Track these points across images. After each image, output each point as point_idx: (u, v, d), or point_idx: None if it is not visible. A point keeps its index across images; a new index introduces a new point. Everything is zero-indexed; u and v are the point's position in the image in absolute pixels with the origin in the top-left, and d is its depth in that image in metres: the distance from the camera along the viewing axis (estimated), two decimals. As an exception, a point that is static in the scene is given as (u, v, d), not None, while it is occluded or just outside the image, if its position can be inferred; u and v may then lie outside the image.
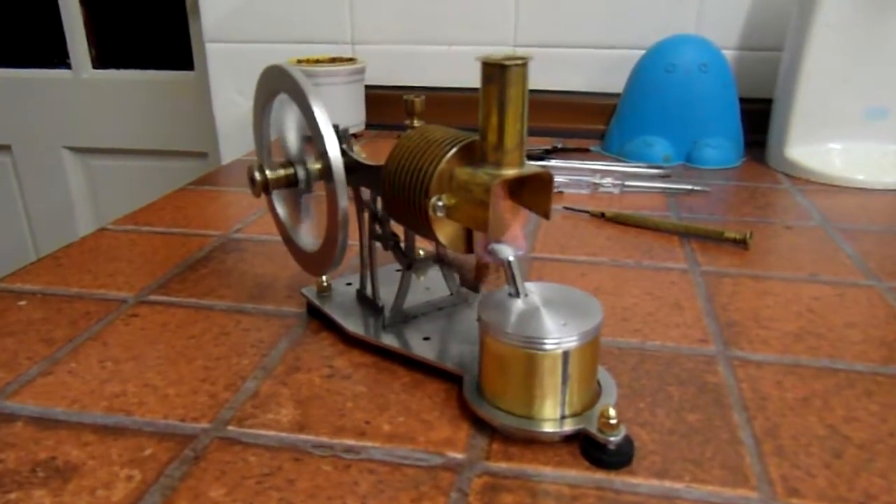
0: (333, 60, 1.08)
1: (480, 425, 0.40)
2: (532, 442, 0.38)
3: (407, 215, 0.43)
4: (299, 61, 1.08)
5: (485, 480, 0.36)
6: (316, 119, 0.44)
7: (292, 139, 0.48)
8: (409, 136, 0.44)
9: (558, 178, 0.83)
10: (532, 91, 0.39)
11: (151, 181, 1.55)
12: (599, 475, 0.36)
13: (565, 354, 0.37)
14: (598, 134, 1.11)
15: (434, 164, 0.40)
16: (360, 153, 0.49)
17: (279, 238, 0.54)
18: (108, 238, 0.69)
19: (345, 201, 0.44)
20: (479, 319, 0.40)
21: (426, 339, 0.47)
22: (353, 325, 0.49)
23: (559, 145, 1.01)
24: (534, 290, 0.41)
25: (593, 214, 0.74)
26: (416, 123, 0.46)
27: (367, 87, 1.12)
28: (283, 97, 0.49)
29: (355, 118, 1.10)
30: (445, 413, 0.41)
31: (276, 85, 0.49)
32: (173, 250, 0.66)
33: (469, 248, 0.43)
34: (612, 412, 0.37)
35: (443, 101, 1.02)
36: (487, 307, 0.40)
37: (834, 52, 0.87)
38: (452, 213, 0.40)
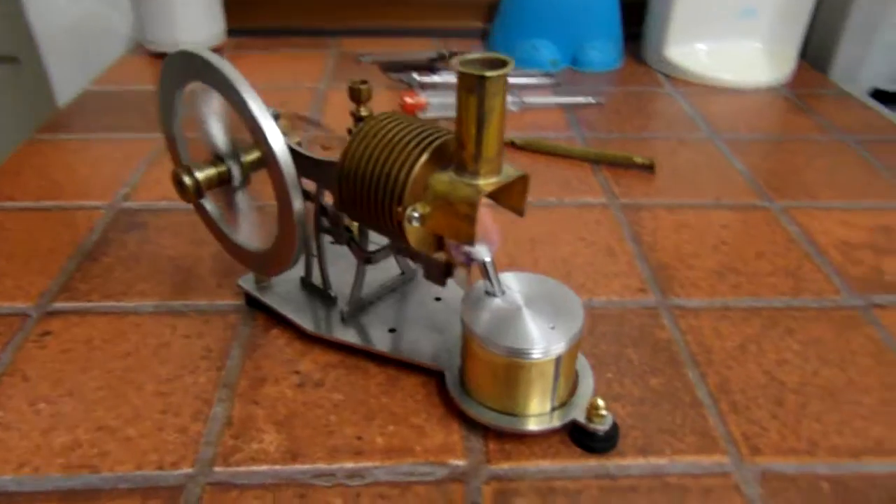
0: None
1: (470, 423, 0.41)
2: (525, 436, 0.40)
3: (372, 219, 0.40)
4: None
5: (494, 487, 0.37)
6: (254, 114, 0.39)
7: (217, 132, 0.43)
8: (364, 134, 0.40)
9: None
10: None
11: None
12: (593, 462, 0.39)
13: (557, 360, 0.38)
14: (477, 33, 1.07)
15: (406, 172, 0.37)
16: (298, 139, 0.44)
17: (181, 204, 0.48)
18: (-32, 222, 0.59)
19: (299, 202, 0.41)
20: (463, 324, 0.40)
21: (392, 330, 0.46)
22: (309, 322, 0.47)
23: (446, 53, 0.97)
24: (511, 286, 0.41)
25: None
26: (364, 112, 0.42)
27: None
28: (194, 86, 0.42)
29: (212, 27, 0.98)
30: (432, 414, 0.42)
31: (187, 74, 0.42)
32: (57, 234, 0.58)
33: (439, 248, 0.41)
34: (601, 403, 0.39)
35: None
36: (470, 310, 0.40)
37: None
38: (428, 221, 0.38)
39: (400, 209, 0.38)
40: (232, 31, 1.03)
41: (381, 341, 0.45)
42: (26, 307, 0.49)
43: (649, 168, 0.69)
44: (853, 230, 0.61)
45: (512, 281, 0.42)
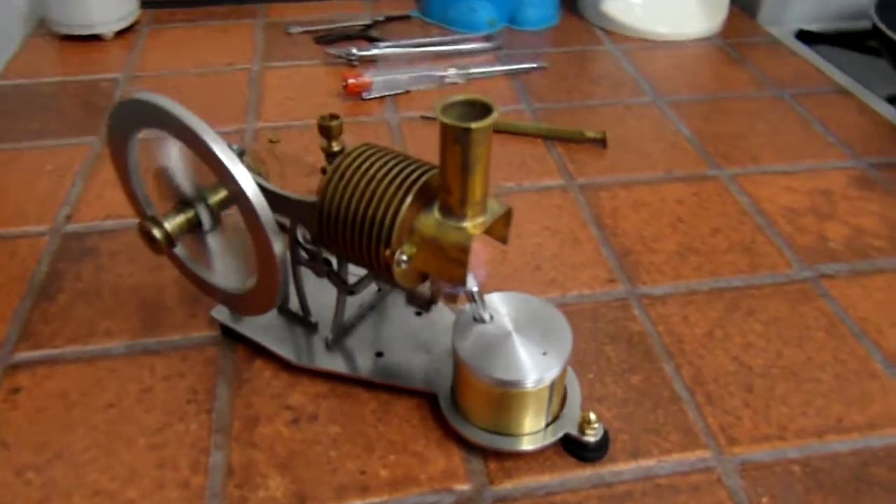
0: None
1: (467, 445, 0.42)
2: (523, 455, 0.42)
3: (356, 258, 0.40)
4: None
5: (499, 509, 0.39)
6: (221, 160, 0.37)
7: (179, 177, 0.41)
8: (342, 173, 0.39)
9: (400, 76, 0.78)
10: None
11: None
12: (589, 471, 0.41)
13: (551, 385, 0.39)
14: (409, -10, 1.03)
15: (391, 215, 0.37)
16: (267, 175, 0.42)
17: (130, 222, 0.47)
18: None
19: (279, 245, 0.40)
20: (455, 354, 0.41)
21: (379, 354, 0.46)
22: (293, 352, 0.46)
23: (380, 18, 0.93)
24: (498, 309, 0.42)
25: (454, 123, 0.73)
26: (336, 147, 0.41)
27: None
28: (147, 133, 0.40)
29: (124, 4, 0.91)
30: (430, 438, 0.43)
31: (137, 122, 0.40)
32: (1, 268, 0.54)
33: (422, 280, 0.41)
34: (592, 417, 0.41)
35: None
36: (462, 340, 0.41)
37: None
38: (415, 261, 0.38)
39: (387, 252, 0.38)
40: (146, 2, 0.96)
41: (370, 368, 0.45)
42: (-13, 361, 0.47)
43: (601, 142, 0.70)
44: (796, 195, 0.64)
45: (498, 304, 0.43)
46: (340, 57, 0.83)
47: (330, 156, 0.41)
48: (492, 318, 0.42)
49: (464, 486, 0.40)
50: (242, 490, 0.40)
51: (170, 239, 0.40)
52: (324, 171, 0.40)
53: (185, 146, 0.39)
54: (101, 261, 0.55)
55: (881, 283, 0.55)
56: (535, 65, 0.83)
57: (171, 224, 0.40)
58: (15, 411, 0.44)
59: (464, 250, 0.36)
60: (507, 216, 0.38)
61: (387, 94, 0.77)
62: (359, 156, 0.39)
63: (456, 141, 0.34)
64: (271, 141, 0.70)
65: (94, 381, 0.46)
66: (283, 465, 0.41)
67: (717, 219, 0.61)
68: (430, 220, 0.37)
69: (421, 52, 0.85)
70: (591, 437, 0.41)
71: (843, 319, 0.51)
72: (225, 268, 0.44)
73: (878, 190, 0.65)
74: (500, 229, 0.39)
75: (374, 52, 0.83)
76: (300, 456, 0.42)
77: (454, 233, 0.36)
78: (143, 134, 0.41)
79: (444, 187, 0.36)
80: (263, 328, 0.48)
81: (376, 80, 0.76)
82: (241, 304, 0.45)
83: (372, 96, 0.77)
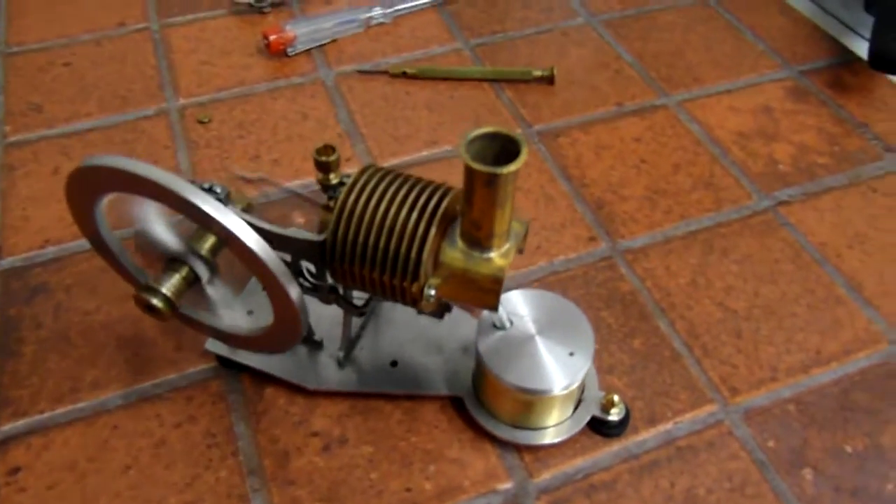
0: None
1: (499, 442, 0.44)
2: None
3: (376, 291, 0.38)
4: None
5: (545, 501, 0.42)
6: (211, 216, 0.34)
7: (163, 233, 0.37)
8: (350, 209, 0.36)
9: (323, 25, 0.72)
10: None
11: None
12: (616, 446, 0.44)
13: (581, 384, 0.41)
14: None
15: (417, 250, 0.35)
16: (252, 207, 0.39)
17: (74, 245, 0.44)
18: None
19: (295, 289, 0.37)
20: (483, 363, 0.41)
21: (394, 364, 0.46)
22: (304, 377, 0.45)
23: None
24: (517, 311, 0.42)
25: (394, 74, 0.68)
26: (335, 180, 0.38)
27: None
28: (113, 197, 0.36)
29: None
30: (463, 441, 0.44)
31: (100, 188, 0.35)
32: (-57, 325, 0.49)
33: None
34: (616, 399, 0.43)
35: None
36: (488, 349, 0.41)
37: None
38: (441, 291, 0.37)
39: (415, 287, 0.36)
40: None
41: (389, 380, 0.45)
42: (-30, 442, 0.43)
43: (549, 79, 0.68)
44: (742, 116, 0.66)
45: (517, 304, 0.43)
46: (251, 5, 0.75)
47: (328, 188, 0.38)
48: (512, 323, 0.42)
49: (507, 485, 0.42)
50: (295, 532, 0.40)
51: (172, 304, 0.37)
52: (327, 207, 0.38)
53: (162, 205, 0.35)
54: (57, 298, 0.51)
55: (830, 203, 0.59)
56: (459, -9, 0.79)
57: (168, 288, 0.37)
58: (21, 494, 0.41)
59: (497, 281, 0.35)
60: (525, 233, 0.38)
61: (312, 46, 0.71)
62: (364, 187, 0.37)
63: (486, 185, 0.32)
64: (200, 121, 0.64)
65: (100, 442, 0.43)
66: (327, 498, 0.41)
67: (675, 153, 0.62)
68: (457, 254, 0.36)
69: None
70: (616, 415, 0.44)
71: (804, 247, 0.55)
72: (231, 312, 0.41)
73: (811, 101, 0.68)
74: (519, 244, 0.39)
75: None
76: (342, 484, 0.42)
77: (485, 265, 0.35)
78: (108, 199, 0.37)
79: (472, 223, 0.34)
80: (264, 356, 0.46)
81: (300, 34, 0.70)
82: (260, 344, 0.43)
83: (297, 51, 0.70)
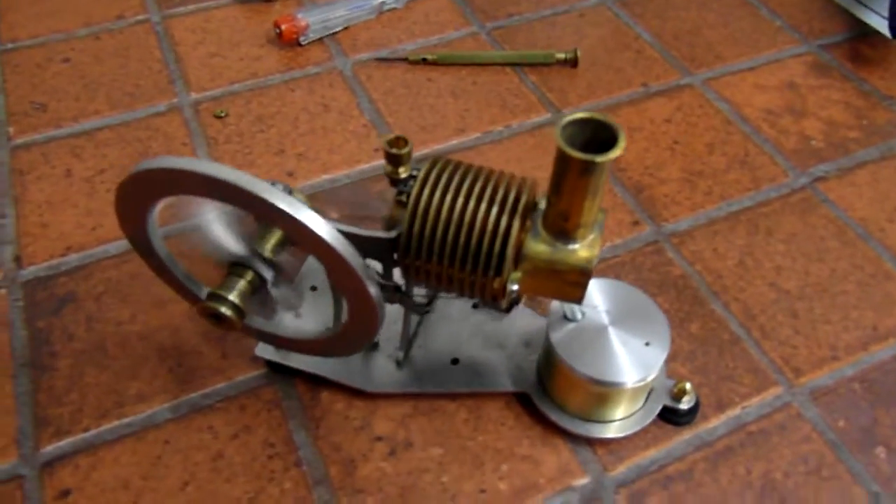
0: None
1: (568, 436, 0.42)
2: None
3: (453, 288, 0.37)
4: None
5: (624, 495, 0.41)
6: (289, 214, 0.32)
7: (225, 236, 0.35)
8: (425, 203, 0.34)
9: (337, 12, 0.69)
10: None
11: None
12: (687, 434, 0.43)
13: (659, 371, 0.40)
14: None
15: (500, 245, 0.34)
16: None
17: (100, 251, 0.42)
18: None
19: (375, 287, 0.35)
20: (557, 357, 0.40)
21: (454, 361, 0.44)
22: (363, 379, 0.43)
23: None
24: (591, 302, 0.41)
25: (413, 61, 0.66)
26: (404, 174, 0.36)
27: None
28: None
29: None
30: (532, 437, 0.43)
31: (155, 192, 0.33)
32: (-33, 342, 0.46)
33: (512, 290, 0.39)
34: (688, 387, 0.42)
35: None
36: (560, 339, 0.39)
37: None
38: (524, 286, 0.35)
39: (496, 282, 0.35)
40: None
41: (452, 379, 0.43)
42: (10, 467, 0.41)
43: (572, 62, 0.67)
44: (768, 93, 0.65)
45: (587, 294, 0.41)
46: (256, -8, 0.72)
47: (396, 182, 0.36)
48: (584, 314, 0.41)
49: (583, 480, 0.41)
50: (371, 542, 0.39)
51: (240, 312, 0.34)
52: (399, 202, 0.36)
53: (227, 206, 0.33)
54: (88, 308, 0.48)
55: (866, 178, 0.58)
56: (470, -27, 0.76)
57: (235, 295, 0.34)
58: (76, 519, 0.39)
59: (585, 273, 0.34)
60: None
61: (325, 34, 0.69)
62: (437, 180, 0.35)
63: (582, 173, 0.31)
64: (217, 116, 0.61)
65: (152, 459, 0.41)
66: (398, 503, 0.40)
67: (707, 133, 0.61)
68: (542, 246, 0.34)
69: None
70: (687, 404, 0.43)
71: (847, 224, 0.55)
72: (297, 317, 0.39)
73: (834, 76, 0.67)
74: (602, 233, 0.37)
75: (292, -19, 0.73)
76: (413, 490, 0.40)
77: (571, 256, 0.34)
78: (161, 205, 0.34)
79: (560, 213, 0.33)
80: (316, 359, 0.44)
81: (312, 21, 0.67)
82: (328, 348, 0.41)
83: (310, 40, 0.68)
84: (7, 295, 0.48)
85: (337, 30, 0.69)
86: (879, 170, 0.59)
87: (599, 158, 0.30)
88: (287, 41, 0.67)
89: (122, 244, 0.51)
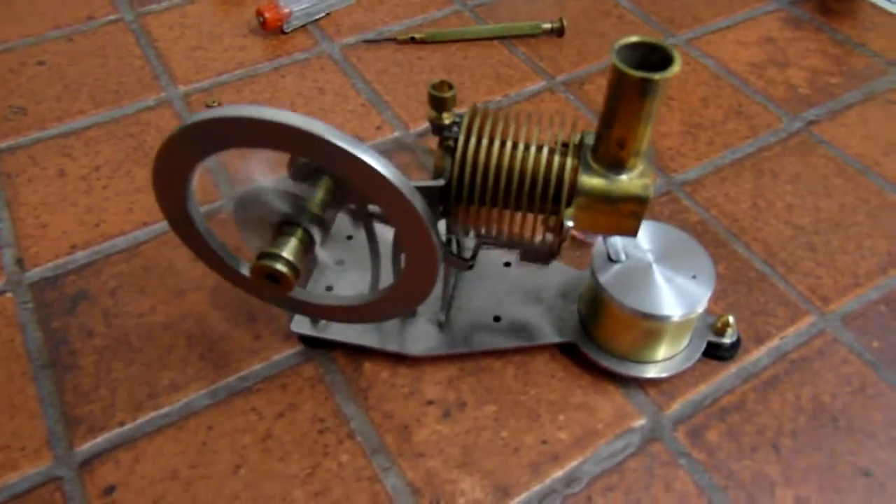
0: None
1: (619, 380, 0.42)
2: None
3: (504, 234, 0.36)
4: None
5: (682, 431, 0.40)
6: (366, 162, 0.31)
7: (275, 194, 0.33)
8: (474, 148, 0.34)
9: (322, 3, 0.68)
10: None
11: None
12: (733, 368, 0.43)
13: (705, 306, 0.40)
14: None
15: (555, 182, 0.34)
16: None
17: (106, 246, 0.42)
18: None
19: (437, 238, 0.34)
20: (605, 294, 0.39)
21: (497, 319, 0.44)
22: (407, 344, 0.42)
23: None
24: (633, 243, 0.41)
25: (401, 41, 0.66)
26: (447, 120, 0.35)
27: None
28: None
29: None
30: (583, 386, 0.42)
31: (211, 144, 0.32)
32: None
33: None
34: (731, 320, 0.43)
35: None
36: (607, 280, 0.39)
37: None
38: (580, 222, 0.35)
39: (552, 220, 0.35)
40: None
41: (497, 336, 0.43)
42: (46, 469, 0.38)
43: (558, 31, 0.67)
44: (750, 49, 0.67)
45: (627, 240, 0.41)
46: (232, -15, 0.70)
47: (441, 129, 0.35)
48: (627, 255, 0.41)
49: (641, 421, 0.41)
50: (438, 501, 0.37)
51: (295, 269, 0.33)
52: (447, 147, 0.35)
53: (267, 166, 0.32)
54: (103, 304, 0.45)
55: (855, 118, 0.60)
56: (444, -45, 0.77)
57: (289, 252, 0.33)
58: (126, 515, 0.37)
59: (643, 201, 0.34)
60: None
61: (308, 21, 0.67)
62: (483, 125, 0.35)
63: (640, 93, 0.30)
64: (209, 106, 0.59)
65: (198, 446, 0.39)
66: (463, 463, 0.39)
67: (699, 89, 0.63)
68: (596, 179, 0.34)
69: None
70: (729, 338, 0.43)
71: (846, 161, 0.57)
72: (347, 279, 0.38)
73: (808, 28, 0.70)
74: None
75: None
76: (475, 448, 0.40)
77: (629, 186, 0.34)
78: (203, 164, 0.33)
79: (616, 141, 0.33)
80: (353, 327, 0.43)
81: (295, 10, 0.66)
82: (375, 312, 0.39)
83: (293, 27, 0.67)
84: (14, 298, 0.46)
85: (319, 16, 0.68)
86: (865, 110, 0.61)
87: (658, 76, 0.30)
88: (271, 29, 0.66)
89: (131, 238, 0.49)
